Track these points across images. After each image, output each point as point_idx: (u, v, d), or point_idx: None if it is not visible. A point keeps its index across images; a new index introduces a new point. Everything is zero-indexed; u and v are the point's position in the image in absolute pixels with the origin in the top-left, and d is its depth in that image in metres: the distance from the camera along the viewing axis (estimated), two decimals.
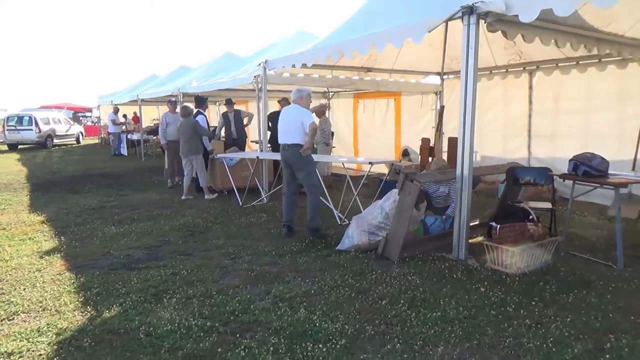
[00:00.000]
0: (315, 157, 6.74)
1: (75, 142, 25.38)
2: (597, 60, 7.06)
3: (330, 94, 13.34)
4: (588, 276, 4.15)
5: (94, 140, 27.30)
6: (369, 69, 8.98)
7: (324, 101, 12.86)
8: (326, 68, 8.53)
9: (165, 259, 4.83)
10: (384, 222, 4.82)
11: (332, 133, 9.95)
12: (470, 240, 5.22)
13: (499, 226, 4.24)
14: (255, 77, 7.86)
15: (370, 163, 5.75)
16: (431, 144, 9.42)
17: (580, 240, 5.32)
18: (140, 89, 16.89)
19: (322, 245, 5.22)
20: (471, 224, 5.58)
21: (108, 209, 7.44)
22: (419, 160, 9.64)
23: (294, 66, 6.92)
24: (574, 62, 7.39)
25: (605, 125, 7.14)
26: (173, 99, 10.94)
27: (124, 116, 20.13)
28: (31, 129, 21.29)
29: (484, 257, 4.47)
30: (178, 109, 9.18)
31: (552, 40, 4.94)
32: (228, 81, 8.85)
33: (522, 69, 8.24)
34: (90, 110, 34.93)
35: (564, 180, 4.97)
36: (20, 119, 21.49)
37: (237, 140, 10.24)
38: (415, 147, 9.91)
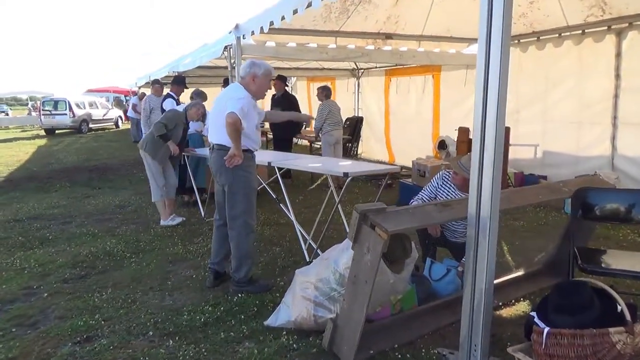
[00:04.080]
0: (266, 156, 4.76)
1: (114, 126, 24.80)
2: None
3: (361, 71, 11.15)
4: None
5: None
6: (388, 36, 6.74)
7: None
8: (329, 34, 6.40)
9: None
10: (338, 290, 2.71)
11: (341, 120, 7.82)
12: (497, 310, 3.09)
13: (547, 330, 2.02)
14: (226, 47, 5.83)
15: (346, 174, 3.59)
16: (472, 136, 7.12)
17: None
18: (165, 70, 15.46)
19: (251, 311, 3.20)
20: (508, 277, 3.38)
21: (37, 220, 5.80)
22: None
23: (262, 30, 4.90)
24: None
25: None
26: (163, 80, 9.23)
27: None
28: (65, 114, 20.72)
29: None
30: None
31: None
32: (203, 57, 6.87)
33: (606, 28, 5.80)
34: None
35: None
36: (55, 104, 20.97)
37: None
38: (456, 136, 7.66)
